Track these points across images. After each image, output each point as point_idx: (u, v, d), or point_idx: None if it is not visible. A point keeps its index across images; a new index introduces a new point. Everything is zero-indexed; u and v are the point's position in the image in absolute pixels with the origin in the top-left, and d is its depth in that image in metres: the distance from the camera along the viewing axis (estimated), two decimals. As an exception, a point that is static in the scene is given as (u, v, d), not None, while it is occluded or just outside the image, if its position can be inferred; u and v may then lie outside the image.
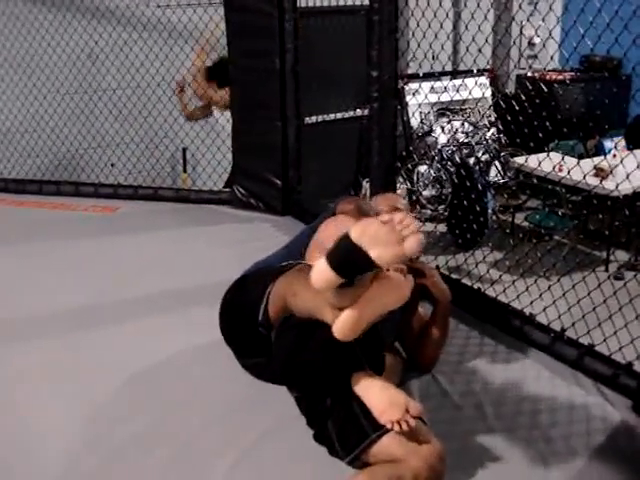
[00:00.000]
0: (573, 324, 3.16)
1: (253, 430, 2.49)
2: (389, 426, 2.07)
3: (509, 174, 6.99)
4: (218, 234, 4.56)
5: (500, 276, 3.55)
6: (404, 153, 6.94)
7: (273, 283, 2.23)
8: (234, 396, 2.69)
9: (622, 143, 6.71)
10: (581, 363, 2.95)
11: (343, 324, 1.91)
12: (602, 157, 6.26)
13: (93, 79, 5.98)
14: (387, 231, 1.72)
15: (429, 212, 6.87)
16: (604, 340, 2.98)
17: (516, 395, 2.80)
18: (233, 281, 2.55)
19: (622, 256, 5.97)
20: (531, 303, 3.33)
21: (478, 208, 6.00)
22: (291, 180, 4.69)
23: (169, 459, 2.39)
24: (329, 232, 2.59)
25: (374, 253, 1.74)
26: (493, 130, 7.17)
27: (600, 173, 5.81)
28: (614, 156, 5.85)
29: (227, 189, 5.07)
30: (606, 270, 5.78)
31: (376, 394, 2.14)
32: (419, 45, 3.58)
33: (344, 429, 2.23)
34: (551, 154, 6.00)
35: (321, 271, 1.85)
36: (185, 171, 6.44)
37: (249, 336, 2.35)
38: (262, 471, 2.33)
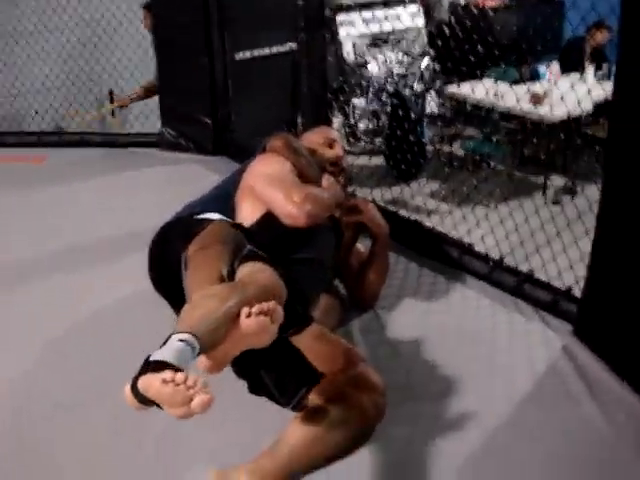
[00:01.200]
0: (511, 251, 3.14)
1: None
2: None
3: (445, 103, 6.90)
4: (149, 178, 4.42)
5: (437, 206, 3.49)
6: (339, 86, 6.79)
7: (186, 248, 2.14)
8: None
9: (557, 67, 6.66)
10: (521, 290, 2.92)
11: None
12: (536, 82, 6.27)
13: (14, 22, 5.64)
14: (170, 393, 1.54)
15: (365, 145, 6.76)
16: (543, 266, 2.96)
17: (457, 325, 2.78)
18: (157, 230, 2.43)
19: (559, 181, 5.96)
20: (468, 232, 3.30)
21: (413, 139, 5.91)
22: (221, 119, 4.53)
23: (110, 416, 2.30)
24: (258, 169, 2.49)
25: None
26: (427, 59, 7.05)
27: (535, 98, 5.78)
28: (549, 81, 5.80)
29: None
30: (544, 195, 5.78)
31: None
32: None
33: (281, 377, 2.17)
34: (484, 81, 6.01)
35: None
36: (113, 115, 6.18)
37: (179, 286, 2.25)
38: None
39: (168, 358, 1.54)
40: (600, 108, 5.98)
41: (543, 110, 5.58)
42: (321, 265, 2.39)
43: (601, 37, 6.87)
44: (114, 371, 1.83)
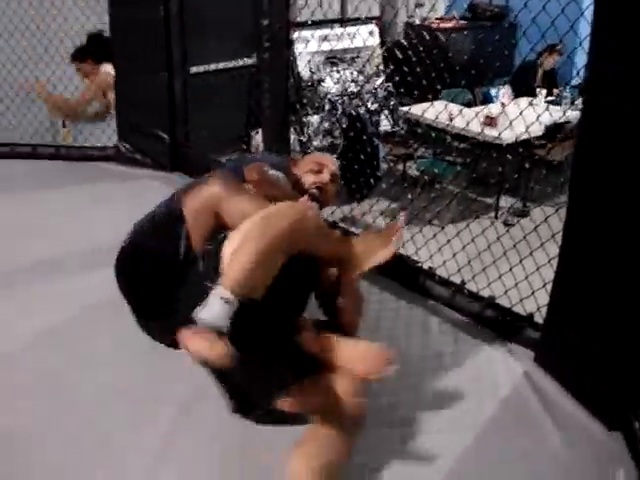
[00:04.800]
0: (459, 270, 3.17)
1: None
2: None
3: (399, 123, 6.96)
4: (103, 193, 4.34)
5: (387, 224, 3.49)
6: (293, 103, 6.78)
7: (183, 204, 2.18)
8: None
9: (509, 91, 6.78)
10: (482, 316, 2.95)
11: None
12: (488, 105, 6.36)
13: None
14: None
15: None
16: (488, 285, 3.00)
17: (420, 351, 2.79)
18: (127, 239, 2.35)
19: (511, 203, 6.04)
20: (416, 251, 3.32)
21: (367, 157, 5.94)
22: (179, 134, 4.49)
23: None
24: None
25: None
26: (382, 79, 7.10)
27: (489, 121, 5.87)
28: (503, 105, 5.90)
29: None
30: (496, 217, 5.86)
31: (350, 348, 2.14)
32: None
33: (262, 379, 2.10)
34: (438, 102, 6.08)
35: None
36: (65, 126, 6.06)
37: (157, 292, 2.21)
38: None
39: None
40: (551, 131, 6.12)
41: (496, 132, 5.67)
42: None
43: (552, 61, 7.02)
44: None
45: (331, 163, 2.75)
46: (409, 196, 4.61)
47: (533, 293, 2.84)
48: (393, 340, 2.86)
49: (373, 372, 2.05)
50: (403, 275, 3.24)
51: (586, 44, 2.38)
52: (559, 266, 2.54)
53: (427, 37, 6.33)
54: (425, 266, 3.25)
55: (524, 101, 6.01)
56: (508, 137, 5.59)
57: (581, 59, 6.80)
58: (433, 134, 6.22)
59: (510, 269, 3.01)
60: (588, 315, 2.45)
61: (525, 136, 5.67)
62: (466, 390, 2.56)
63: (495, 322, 2.90)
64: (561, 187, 6.07)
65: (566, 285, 2.54)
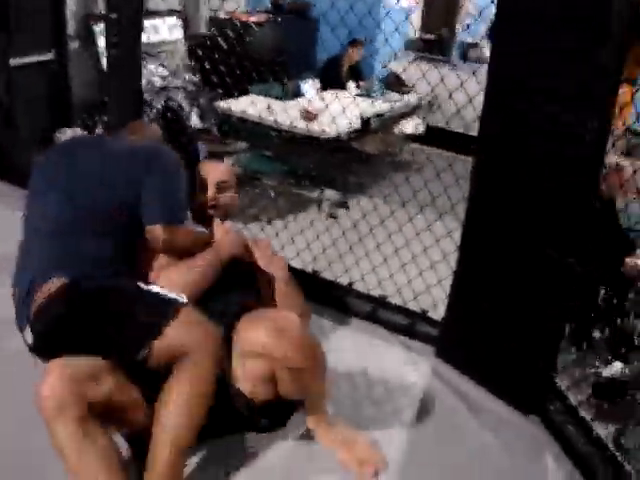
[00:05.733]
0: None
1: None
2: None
3: (211, 118, 6.80)
4: None
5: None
6: (101, 100, 6.41)
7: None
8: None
9: (318, 84, 6.86)
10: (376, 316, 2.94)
11: None
12: (300, 98, 6.40)
13: None
14: None
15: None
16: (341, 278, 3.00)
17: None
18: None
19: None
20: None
21: (188, 158, 5.74)
22: (3, 140, 4.06)
23: None
24: None
25: None
26: (189, 74, 6.90)
27: (308, 115, 5.89)
28: (322, 99, 5.93)
29: None
30: (319, 209, 5.91)
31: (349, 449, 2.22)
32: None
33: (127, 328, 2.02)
34: (252, 96, 6.02)
35: None
36: None
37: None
38: None
39: None
40: (366, 123, 6.27)
41: (316, 127, 5.71)
42: None
43: (357, 54, 7.19)
44: None
45: (213, 171, 2.62)
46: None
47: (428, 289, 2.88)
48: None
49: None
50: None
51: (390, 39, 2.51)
52: (458, 265, 2.59)
53: (234, 29, 6.25)
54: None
55: (331, 94, 6.11)
56: (330, 131, 5.65)
57: (384, 52, 7.11)
58: (253, 128, 6.12)
59: (402, 266, 3.03)
60: (489, 308, 2.52)
61: (346, 129, 5.80)
62: (379, 391, 2.53)
63: (389, 321, 2.91)
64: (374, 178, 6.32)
65: (464, 282, 2.60)
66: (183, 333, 1.96)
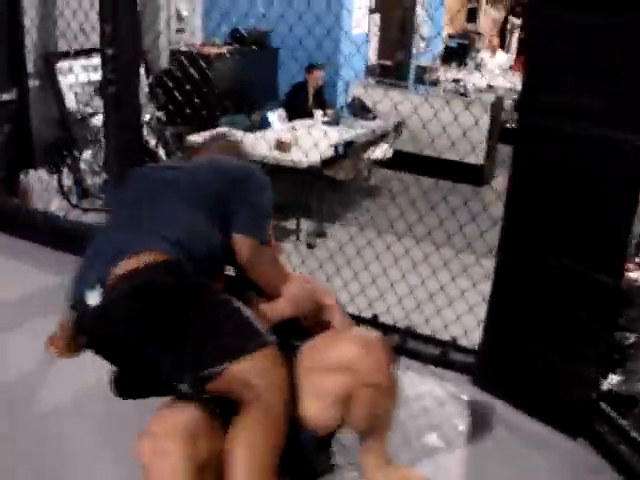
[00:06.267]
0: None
1: None
2: None
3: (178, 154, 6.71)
4: None
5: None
6: (64, 139, 6.27)
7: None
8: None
9: (283, 113, 6.85)
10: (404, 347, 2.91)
11: None
12: (267, 129, 6.37)
13: None
14: None
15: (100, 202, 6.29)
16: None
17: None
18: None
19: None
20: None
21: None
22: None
23: None
24: None
25: None
26: (150, 109, 6.80)
27: (282, 146, 5.86)
28: (293, 128, 5.92)
29: None
30: (298, 239, 5.87)
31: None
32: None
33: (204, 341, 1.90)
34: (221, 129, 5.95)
35: None
36: None
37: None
38: None
39: None
40: (337, 151, 6.28)
41: (293, 156, 5.69)
42: None
43: (318, 77, 7.19)
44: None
45: None
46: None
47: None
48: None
49: None
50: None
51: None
52: (492, 293, 2.60)
53: (194, 63, 6.19)
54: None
55: (299, 123, 6.10)
56: (305, 160, 5.63)
57: (348, 74, 7.16)
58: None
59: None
60: (520, 336, 2.52)
61: (317, 158, 5.79)
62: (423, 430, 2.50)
63: (418, 351, 2.88)
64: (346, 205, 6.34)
65: (501, 307, 2.59)
66: (261, 371, 1.88)
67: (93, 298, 1.88)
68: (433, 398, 2.65)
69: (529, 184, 2.44)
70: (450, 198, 3.41)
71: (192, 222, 2.08)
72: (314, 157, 5.66)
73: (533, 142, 2.40)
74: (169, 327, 1.88)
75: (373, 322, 2.90)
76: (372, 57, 8.08)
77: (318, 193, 6.26)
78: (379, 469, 2.18)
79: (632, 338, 3.18)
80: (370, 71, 8.09)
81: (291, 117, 6.84)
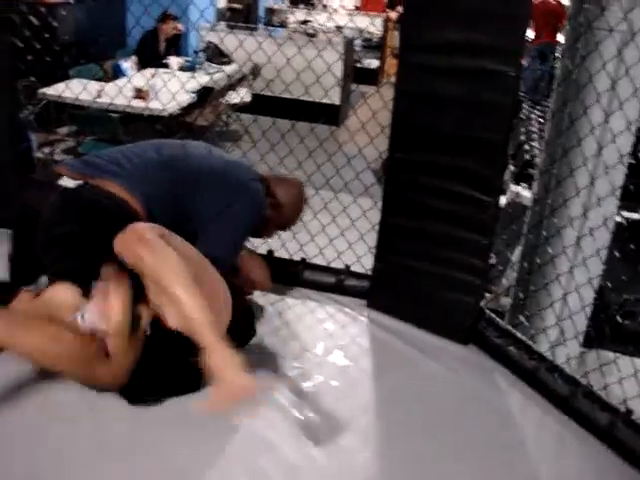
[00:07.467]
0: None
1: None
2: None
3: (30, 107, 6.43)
4: None
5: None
6: None
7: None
8: None
9: (135, 61, 6.74)
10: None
11: None
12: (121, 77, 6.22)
13: None
14: None
15: None
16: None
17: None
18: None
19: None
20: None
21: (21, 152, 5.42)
22: None
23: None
24: None
25: None
26: None
27: (140, 94, 5.79)
28: (152, 76, 5.81)
29: None
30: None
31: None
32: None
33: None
34: (76, 81, 5.77)
35: None
36: None
37: None
38: None
39: None
40: (201, 97, 6.27)
41: (156, 104, 5.63)
42: None
43: (171, 28, 7.10)
44: None
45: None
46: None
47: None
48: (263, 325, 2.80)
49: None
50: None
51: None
52: (381, 219, 2.78)
53: (36, 15, 5.93)
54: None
55: (155, 71, 5.98)
56: (165, 109, 5.58)
57: (198, 24, 7.08)
58: (86, 114, 5.86)
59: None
60: (413, 255, 2.73)
61: (176, 105, 5.76)
62: (331, 350, 2.64)
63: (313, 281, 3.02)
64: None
65: (389, 231, 2.78)
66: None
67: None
68: (335, 322, 2.81)
69: (410, 115, 2.60)
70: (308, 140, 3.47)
71: (170, 197, 2.28)
72: (173, 105, 5.64)
73: (414, 77, 2.55)
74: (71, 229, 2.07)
75: (269, 257, 2.99)
76: (222, 0, 8.03)
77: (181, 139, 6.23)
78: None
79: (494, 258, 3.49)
80: (221, 15, 8.04)
81: (144, 66, 6.73)
